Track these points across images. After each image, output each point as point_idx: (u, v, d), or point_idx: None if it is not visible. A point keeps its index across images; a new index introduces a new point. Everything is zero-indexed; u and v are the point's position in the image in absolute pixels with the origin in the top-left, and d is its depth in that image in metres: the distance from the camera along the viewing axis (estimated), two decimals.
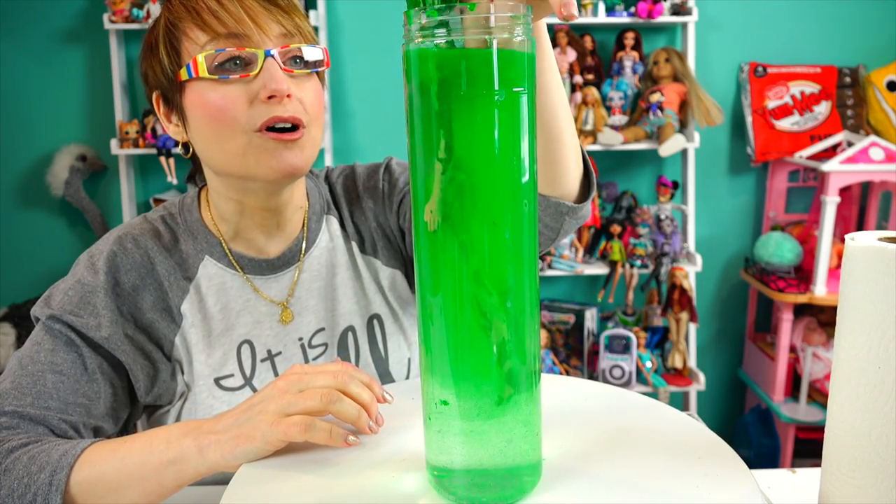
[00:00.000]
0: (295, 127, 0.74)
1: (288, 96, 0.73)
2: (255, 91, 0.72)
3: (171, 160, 2.23)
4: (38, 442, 0.64)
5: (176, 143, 0.81)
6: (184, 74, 0.73)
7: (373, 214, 0.89)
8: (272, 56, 0.72)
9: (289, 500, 0.52)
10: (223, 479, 0.59)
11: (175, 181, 2.27)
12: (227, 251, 0.83)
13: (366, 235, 0.89)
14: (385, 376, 0.87)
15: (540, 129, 0.68)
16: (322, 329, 0.85)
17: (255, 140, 0.73)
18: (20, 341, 2.20)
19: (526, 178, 0.47)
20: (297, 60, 0.75)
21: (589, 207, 0.78)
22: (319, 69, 0.78)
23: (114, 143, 2.24)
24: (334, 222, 0.89)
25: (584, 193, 0.78)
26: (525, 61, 0.46)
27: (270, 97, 0.72)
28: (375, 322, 0.88)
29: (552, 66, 0.67)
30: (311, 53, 0.76)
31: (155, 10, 2.17)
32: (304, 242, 0.86)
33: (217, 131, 0.73)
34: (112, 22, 2.19)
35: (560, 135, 0.70)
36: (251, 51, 0.72)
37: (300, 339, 0.84)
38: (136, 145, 2.24)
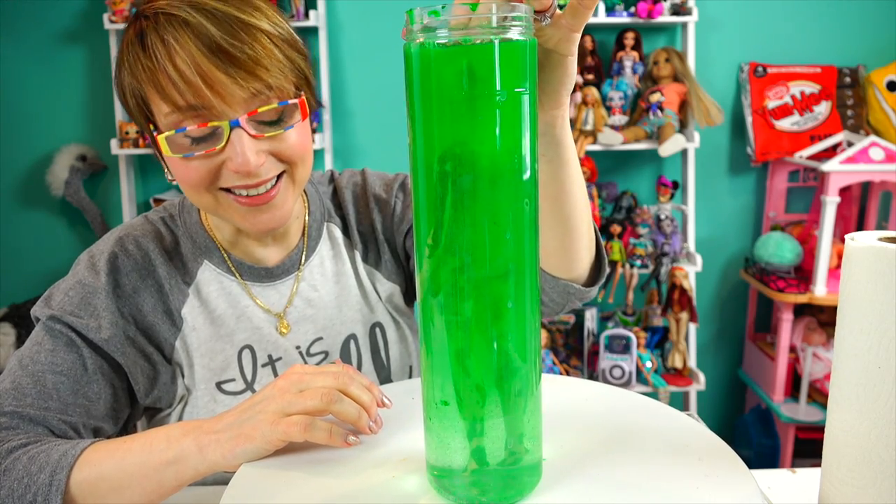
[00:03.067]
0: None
1: (261, 163, 0.69)
2: (221, 161, 0.70)
3: None
4: (37, 442, 0.64)
5: None
6: (153, 135, 0.71)
7: (381, 227, 0.88)
8: (239, 126, 0.68)
9: (289, 500, 0.52)
10: (223, 479, 0.59)
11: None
12: (226, 257, 0.82)
13: (370, 246, 0.89)
14: (386, 383, 0.87)
15: (557, 222, 0.68)
16: (320, 338, 0.85)
17: (223, 197, 0.72)
18: (20, 341, 2.20)
19: (527, 175, 0.47)
20: (269, 122, 0.70)
21: (596, 290, 0.78)
22: (294, 124, 0.71)
23: (114, 143, 2.24)
24: (336, 229, 0.88)
25: (594, 276, 0.77)
26: (527, 62, 0.46)
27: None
28: (377, 330, 0.88)
29: (575, 163, 0.66)
30: (284, 112, 0.70)
31: None
32: (304, 251, 0.85)
33: (188, 189, 0.73)
34: (112, 22, 2.19)
35: (577, 226, 0.70)
36: (214, 124, 0.67)
37: (297, 347, 0.84)
38: (136, 145, 2.24)
